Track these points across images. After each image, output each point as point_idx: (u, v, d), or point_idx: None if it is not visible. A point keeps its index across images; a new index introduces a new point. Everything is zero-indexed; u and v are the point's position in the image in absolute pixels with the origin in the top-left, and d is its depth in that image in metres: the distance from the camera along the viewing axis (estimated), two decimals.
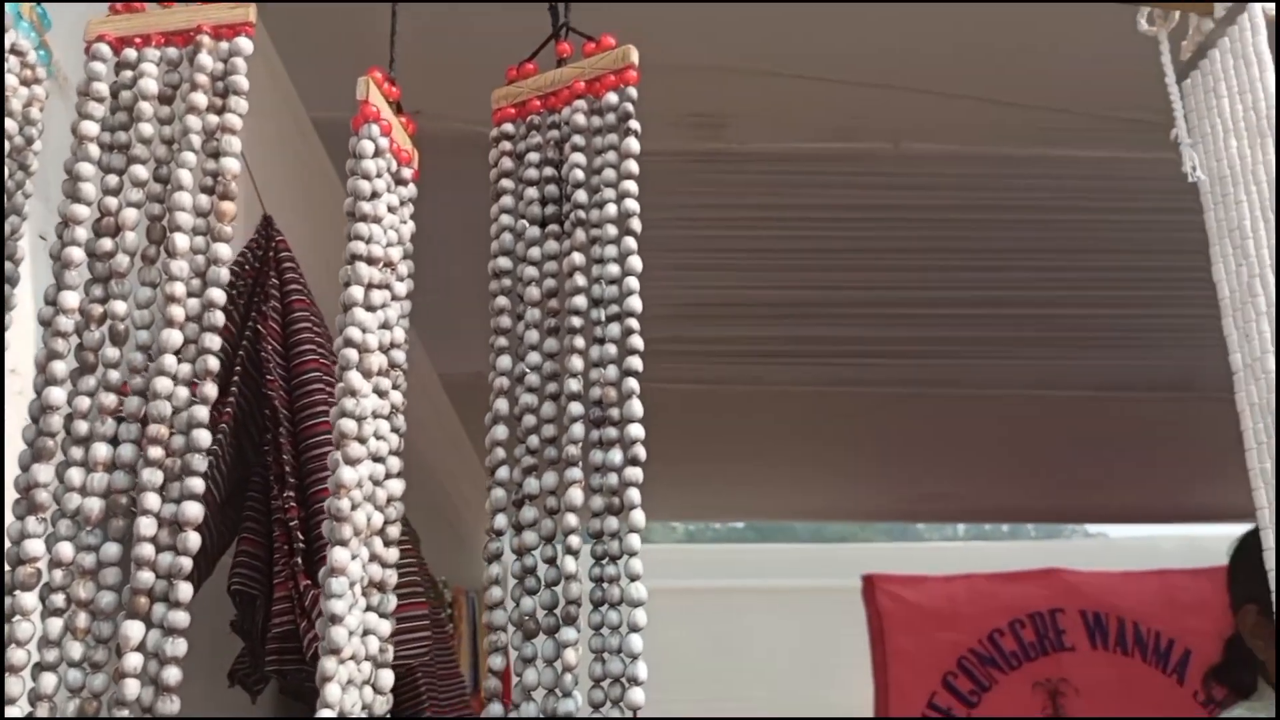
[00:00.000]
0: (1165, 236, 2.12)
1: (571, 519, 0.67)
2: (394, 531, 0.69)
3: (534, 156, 0.73)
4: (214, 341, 0.64)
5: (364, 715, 0.62)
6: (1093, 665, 3.18)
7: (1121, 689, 3.14)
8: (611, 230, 0.70)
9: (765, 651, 3.94)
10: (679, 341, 2.49)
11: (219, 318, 0.64)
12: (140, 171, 0.65)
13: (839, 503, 3.77)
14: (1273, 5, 0.83)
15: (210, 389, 0.64)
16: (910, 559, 3.81)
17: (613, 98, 0.71)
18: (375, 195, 0.66)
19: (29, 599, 0.59)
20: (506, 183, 0.74)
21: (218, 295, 0.64)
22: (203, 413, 0.63)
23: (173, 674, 0.59)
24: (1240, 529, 2.18)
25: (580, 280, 0.71)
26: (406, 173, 0.72)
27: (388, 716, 0.66)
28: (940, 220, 2.13)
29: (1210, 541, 3.71)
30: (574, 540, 0.67)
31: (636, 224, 0.70)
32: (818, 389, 2.77)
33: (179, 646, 0.59)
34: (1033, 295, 2.38)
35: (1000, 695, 3.15)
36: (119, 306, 0.63)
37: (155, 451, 0.60)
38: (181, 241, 0.64)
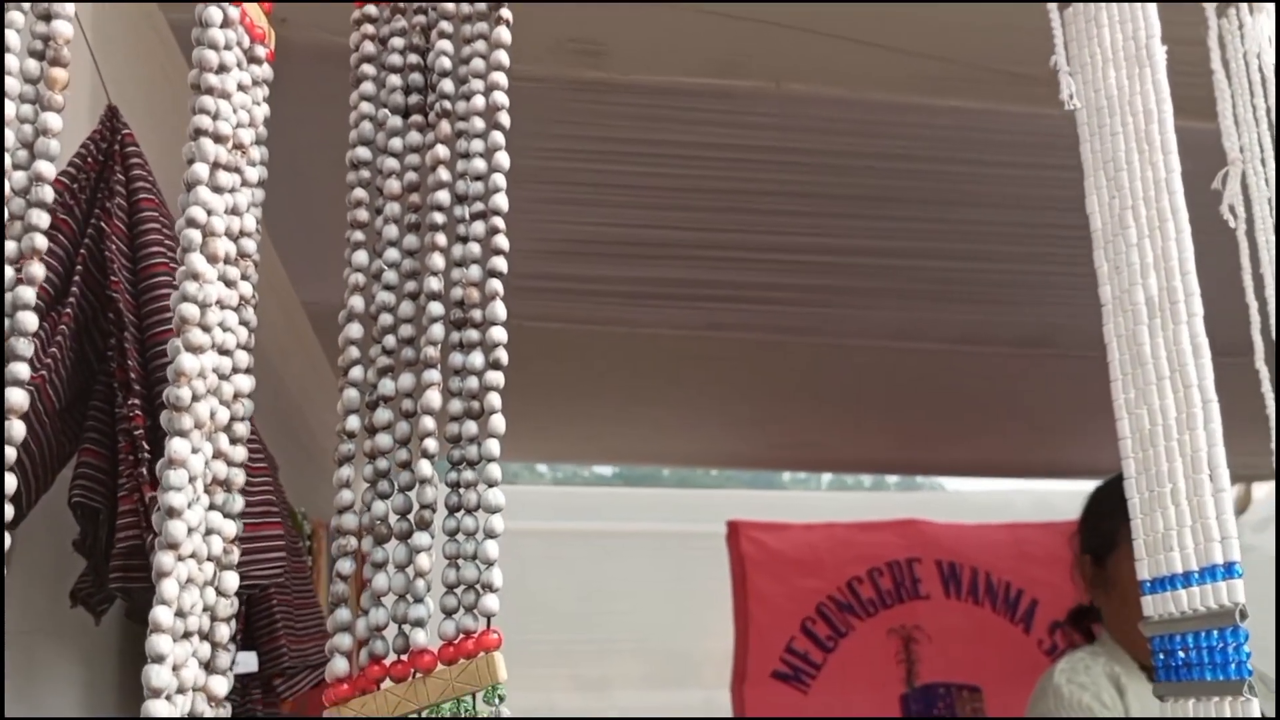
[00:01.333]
0: (1035, 193, 2.17)
1: (428, 422, 0.65)
2: (241, 429, 0.65)
3: (398, 41, 0.70)
4: (42, 218, 0.60)
5: (204, 616, 0.59)
6: (946, 613, 3.29)
7: (971, 636, 3.26)
8: (479, 123, 0.68)
9: (630, 594, 3.97)
10: (549, 279, 2.46)
11: (48, 193, 0.60)
12: None
13: (706, 448, 3.80)
14: None
15: (37, 269, 0.59)
16: (774, 506, 3.87)
17: None
18: (224, 69, 0.62)
19: None
20: (368, 68, 0.70)
21: (46, 169, 0.60)
22: (28, 294, 0.58)
23: None
24: (1088, 485, 2.27)
25: (444, 175, 0.68)
26: (260, 51, 0.67)
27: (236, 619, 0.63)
28: (817, 165, 2.14)
29: (1058, 498, 3.87)
30: (430, 444, 0.65)
31: (505, 118, 0.68)
32: (688, 333, 2.77)
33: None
34: (902, 245, 2.41)
35: (856, 641, 3.24)
36: None
37: None
38: (7, 109, 0.59)
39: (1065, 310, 2.59)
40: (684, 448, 3.77)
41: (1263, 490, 3.41)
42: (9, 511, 0.55)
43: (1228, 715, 0.65)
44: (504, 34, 0.67)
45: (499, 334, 0.65)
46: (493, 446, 0.63)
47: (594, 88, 1.87)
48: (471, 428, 0.64)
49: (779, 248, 2.44)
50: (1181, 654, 0.69)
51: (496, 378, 0.65)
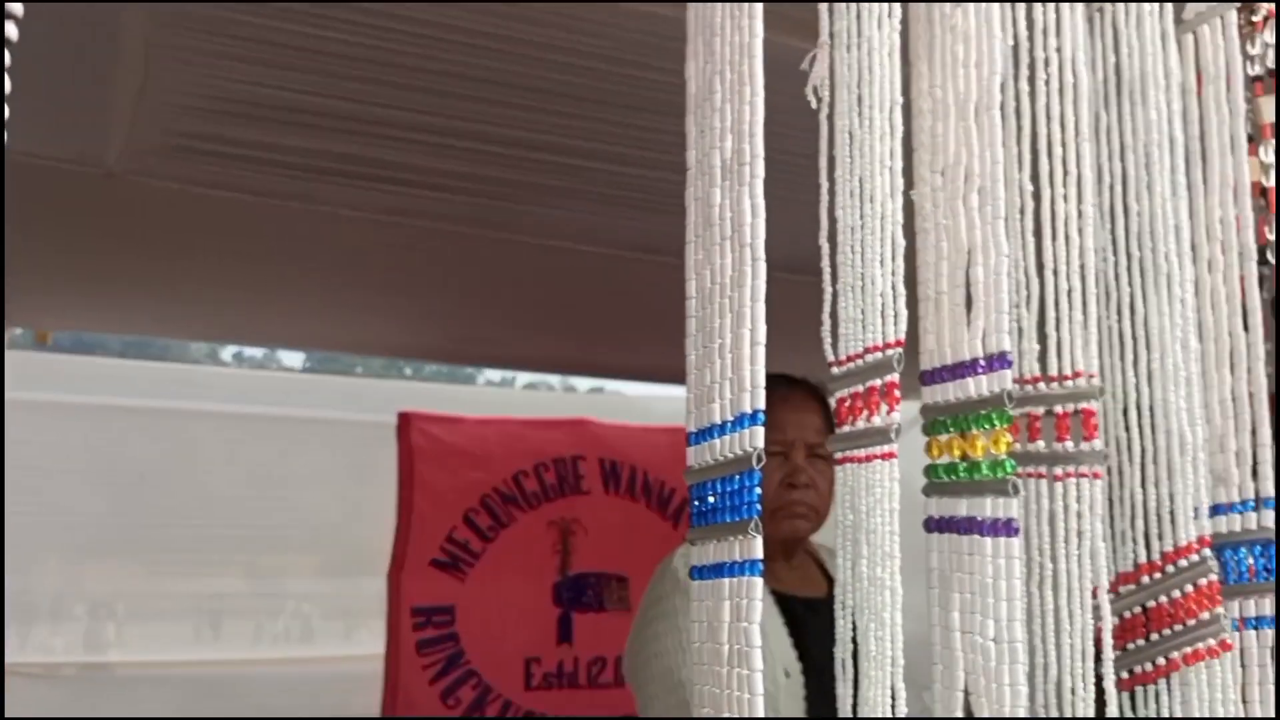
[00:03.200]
0: None
1: None
2: None
3: None
4: None
5: None
6: (603, 508, 3.39)
7: (625, 530, 3.38)
8: None
9: (309, 483, 3.87)
10: (220, 142, 2.30)
11: None
12: None
13: (386, 338, 3.71)
14: None
15: None
16: (465, 403, 3.85)
17: None
18: None
19: None
20: None
21: None
22: None
23: None
24: None
25: None
26: None
27: None
28: (514, 54, 2.08)
29: None
30: None
31: None
32: (371, 216, 2.68)
33: None
34: (592, 147, 2.40)
35: (516, 531, 3.29)
36: None
37: None
38: None
39: (803, 241, 2.66)
40: (362, 335, 3.66)
41: None
42: None
43: (738, 554, 0.68)
44: None
45: None
46: None
47: None
48: None
49: (471, 135, 2.36)
50: (711, 499, 0.72)
51: None
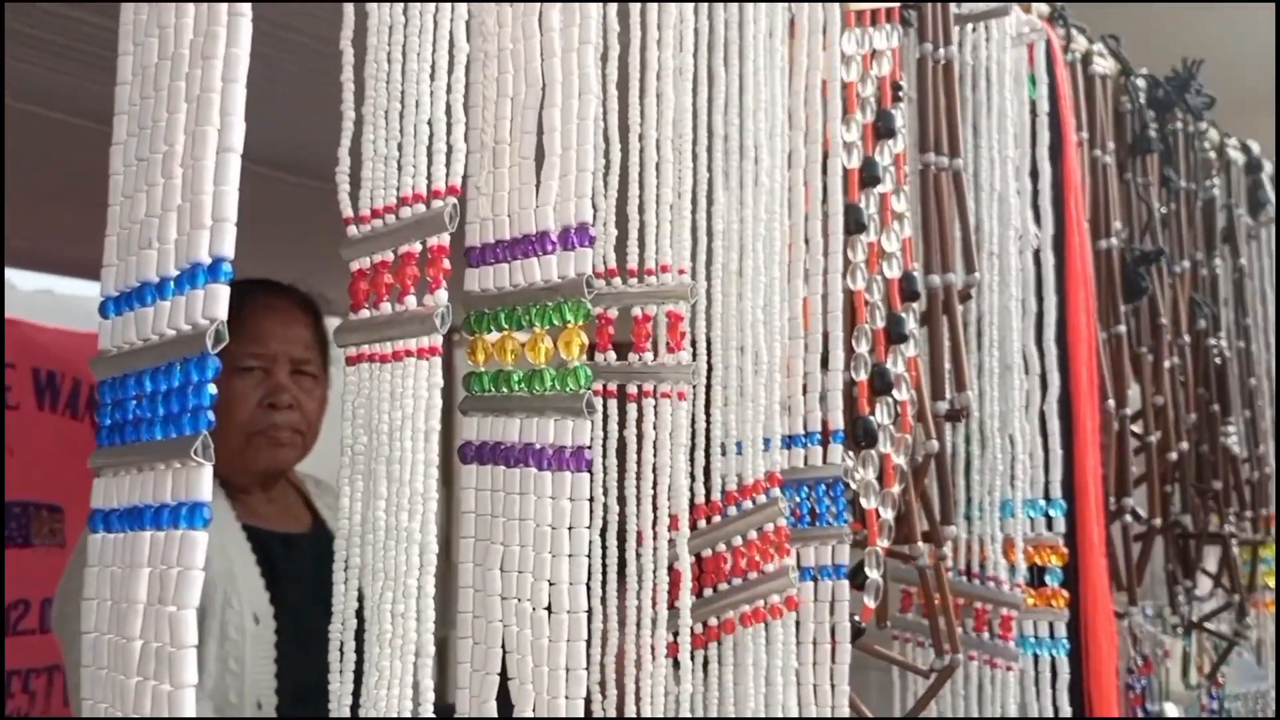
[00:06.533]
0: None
1: None
2: None
3: None
4: None
5: None
6: (35, 426, 2.82)
7: (61, 452, 2.84)
8: None
9: None
10: None
11: None
12: None
13: None
14: None
15: None
16: None
17: None
18: None
19: None
20: None
21: None
22: None
23: None
24: None
25: None
26: None
27: None
28: None
29: None
30: None
31: None
32: None
33: None
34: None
35: None
36: None
37: None
38: None
39: (312, 133, 2.28)
40: None
41: None
42: None
43: (173, 493, 0.42)
44: None
45: None
46: None
47: None
48: None
49: None
50: (135, 403, 0.44)
51: None
